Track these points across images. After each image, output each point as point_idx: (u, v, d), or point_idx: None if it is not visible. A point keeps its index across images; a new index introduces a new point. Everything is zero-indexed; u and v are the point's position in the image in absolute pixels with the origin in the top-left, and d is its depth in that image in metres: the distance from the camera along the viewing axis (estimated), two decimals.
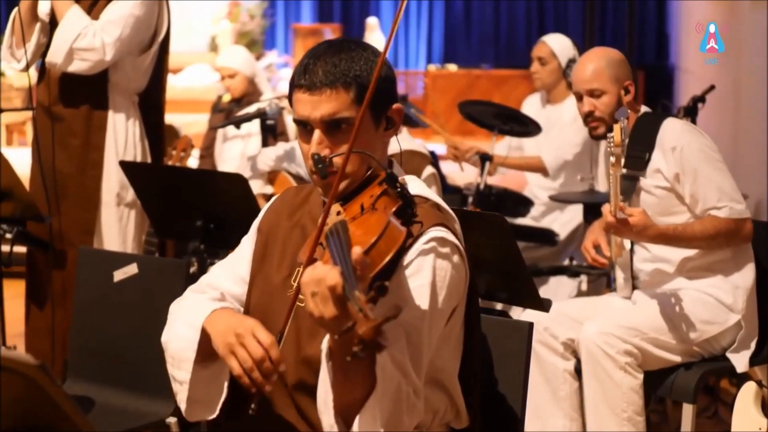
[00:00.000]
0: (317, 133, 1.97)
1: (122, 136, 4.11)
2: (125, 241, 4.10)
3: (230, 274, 2.20)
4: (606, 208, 3.06)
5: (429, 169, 3.83)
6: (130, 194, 4.09)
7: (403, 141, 3.91)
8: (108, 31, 3.94)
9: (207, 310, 2.01)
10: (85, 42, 3.92)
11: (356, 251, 1.64)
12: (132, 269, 3.10)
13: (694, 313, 3.28)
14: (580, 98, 3.40)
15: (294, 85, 1.99)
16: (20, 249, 4.09)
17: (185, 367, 2.01)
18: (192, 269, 3.65)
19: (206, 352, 2.00)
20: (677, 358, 3.29)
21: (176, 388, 2.06)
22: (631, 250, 3.39)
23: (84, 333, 3.20)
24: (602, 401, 3.24)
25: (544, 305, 2.86)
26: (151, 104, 4.25)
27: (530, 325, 2.36)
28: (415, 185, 2.05)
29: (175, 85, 11.69)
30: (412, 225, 1.94)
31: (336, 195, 1.90)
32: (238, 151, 5.50)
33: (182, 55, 12.20)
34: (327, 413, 1.79)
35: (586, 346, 3.25)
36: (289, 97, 2.02)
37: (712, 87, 4.74)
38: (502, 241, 2.79)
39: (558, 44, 4.99)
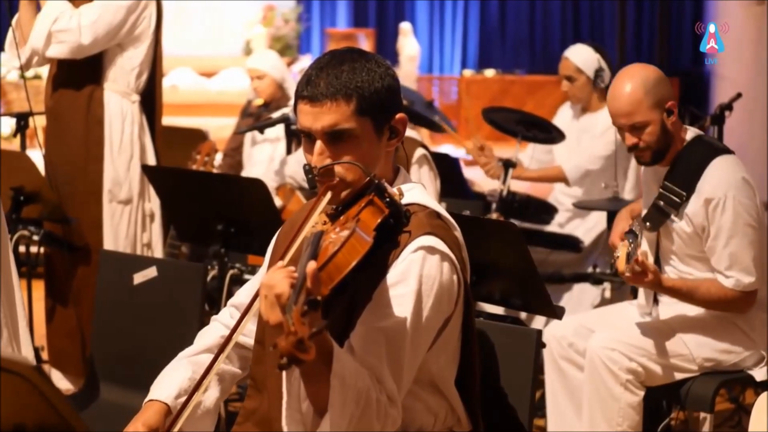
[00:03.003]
0: (319, 144, 1.99)
1: (117, 133, 4.14)
2: (117, 238, 4.13)
3: (252, 289, 2.26)
4: (619, 266, 2.97)
5: (420, 151, 3.92)
6: (123, 192, 4.13)
7: None
8: (85, 14, 3.97)
9: (149, 397, 2.17)
10: (63, 24, 3.95)
11: (310, 265, 1.67)
12: (151, 272, 3.13)
13: (712, 340, 3.26)
14: (620, 129, 3.20)
15: (297, 96, 2.02)
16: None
17: None
18: (212, 273, 3.70)
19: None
20: (685, 375, 3.28)
21: None
22: (657, 263, 3.33)
23: (104, 335, 3.24)
24: (599, 411, 3.25)
25: (557, 313, 2.87)
26: (149, 101, 4.27)
27: (538, 332, 2.37)
28: (414, 193, 2.07)
29: (209, 88, 11.79)
30: (401, 234, 1.96)
31: (319, 201, 1.94)
32: (267, 155, 5.54)
33: (216, 59, 12.31)
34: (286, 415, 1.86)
35: (590, 356, 3.25)
36: (294, 108, 2.05)
37: (739, 95, 4.71)
38: (515, 249, 2.80)
39: (580, 58, 4.94)
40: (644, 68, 3.20)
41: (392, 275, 1.95)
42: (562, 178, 4.90)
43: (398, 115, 2.05)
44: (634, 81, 3.14)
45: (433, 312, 1.96)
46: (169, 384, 2.16)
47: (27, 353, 2.44)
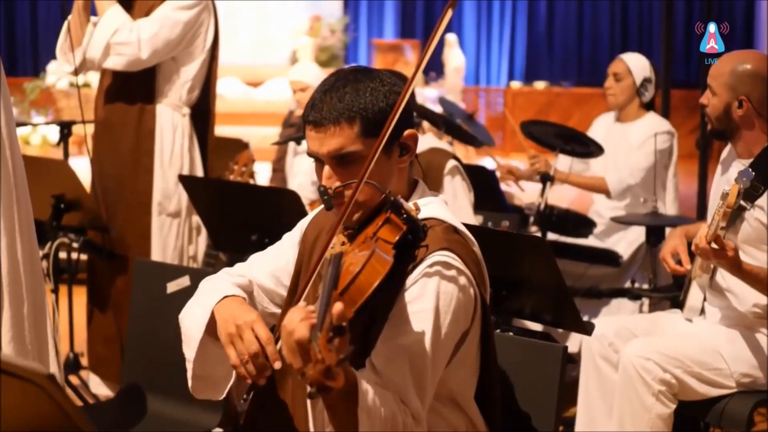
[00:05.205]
0: (326, 168, 2.00)
1: (168, 146, 4.17)
2: (165, 250, 4.17)
3: (265, 268, 2.24)
4: (702, 231, 2.97)
5: (451, 162, 3.95)
6: (172, 204, 4.17)
7: (426, 141, 4.07)
8: (145, 28, 4.01)
9: (220, 295, 2.07)
10: (122, 37, 3.99)
11: (337, 307, 1.62)
12: (184, 281, 3.15)
13: (751, 356, 3.22)
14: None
15: (304, 121, 2.02)
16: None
17: (192, 346, 2.09)
18: None
19: (215, 334, 2.06)
20: (719, 392, 3.25)
21: (187, 366, 2.13)
22: (712, 276, 3.30)
23: (138, 342, 3.28)
24: (629, 419, 3.23)
25: (586, 328, 2.85)
26: (201, 115, 4.31)
27: (564, 348, 2.36)
28: (432, 208, 2.06)
29: (255, 98, 11.86)
30: (418, 250, 1.95)
31: (338, 226, 1.93)
32: (308, 165, 5.56)
33: (263, 69, 12.38)
34: None
35: (624, 364, 3.23)
36: (303, 131, 2.05)
37: None
38: (544, 264, 2.79)
39: (634, 62, 4.95)
40: (756, 58, 3.26)
41: (409, 291, 1.94)
42: (605, 190, 4.87)
43: (407, 132, 2.04)
44: (737, 58, 3.25)
45: (451, 327, 1.95)
46: (230, 288, 2.11)
47: (52, 364, 2.44)
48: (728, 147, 3.43)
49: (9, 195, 2.18)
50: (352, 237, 1.98)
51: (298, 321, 1.66)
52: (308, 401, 1.84)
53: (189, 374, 2.12)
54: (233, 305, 2.04)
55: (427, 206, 2.04)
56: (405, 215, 1.91)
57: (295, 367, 1.67)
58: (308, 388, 1.56)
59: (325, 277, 1.75)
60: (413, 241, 1.94)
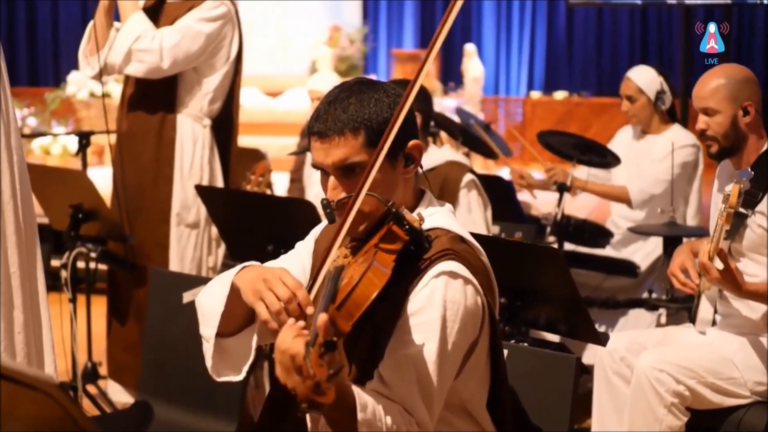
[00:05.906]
0: (332, 179, 2.00)
1: (188, 156, 4.19)
2: (183, 260, 4.18)
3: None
4: (704, 247, 2.97)
5: (468, 177, 3.96)
6: (191, 215, 4.18)
7: (444, 153, 4.10)
8: (167, 37, 4.02)
9: (237, 268, 2.03)
10: (144, 44, 4.00)
11: (321, 317, 1.63)
12: (200, 291, 3.17)
13: (762, 364, 3.21)
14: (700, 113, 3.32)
15: (309, 132, 2.03)
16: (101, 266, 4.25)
17: (212, 323, 2.05)
18: None
19: (236, 312, 2.04)
20: (734, 401, 3.23)
21: (204, 347, 2.09)
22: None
23: (154, 351, 3.30)
24: (640, 430, 3.21)
25: (600, 339, 2.85)
26: (223, 126, 4.32)
27: (578, 359, 2.36)
28: (437, 218, 2.06)
29: (274, 108, 11.88)
30: (421, 261, 1.95)
31: (336, 238, 1.91)
32: None
33: (282, 79, 12.40)
34: None
35: (637, 375, 3.21)
36: (308, 143, 2.05)
37: None
38: (558, 274, 2.79)
39: (642, 78, 4.90)
40: (737, 66, 3.31)
41: (415, 301, 1.94)
42: (626, 200, 4.84)
43: (411, 142, 2.04)
44: (721, 71, 3.27)
45: (459, 337, 1.95)
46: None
47: (50, 372, 2.42)
48: (719, 167, 3.41)
49: (8, 203, 2.17)
50: (357, 249, 1.98)
51: (291, 339, 1.67)
52: (307, 417, 1.85)
53: (208, 354, 2.08)
54: (254, 269, 1.99)
55: (432, 216, 2.05)
56: (407, 226, 1.90)
57: (288, 386, 1.67)
58: (299, 404, 1.57)
59: (324, 291, 1.76)
60: (416, 251, 1.95)
